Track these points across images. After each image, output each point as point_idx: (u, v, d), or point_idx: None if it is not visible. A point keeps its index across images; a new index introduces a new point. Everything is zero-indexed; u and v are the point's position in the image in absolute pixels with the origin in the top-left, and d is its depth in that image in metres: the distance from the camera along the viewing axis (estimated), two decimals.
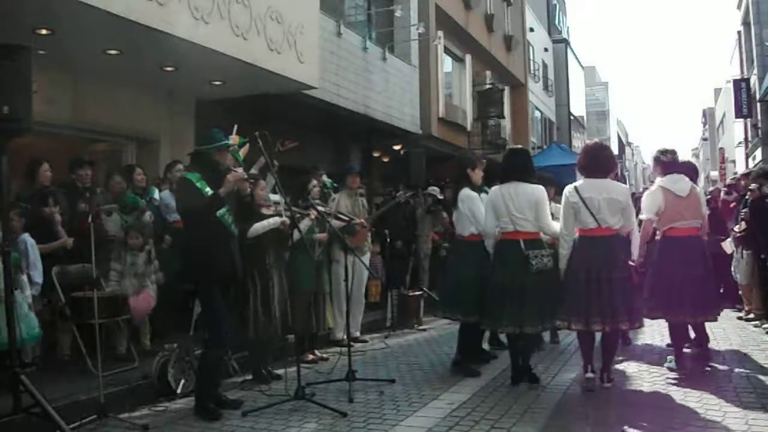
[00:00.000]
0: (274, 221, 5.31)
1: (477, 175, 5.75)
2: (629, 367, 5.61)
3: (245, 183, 4.82)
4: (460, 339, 5.79)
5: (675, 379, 5.17)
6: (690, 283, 5.23)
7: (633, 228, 5.20)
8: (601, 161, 4.98)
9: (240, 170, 4.64)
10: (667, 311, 5.33)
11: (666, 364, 5.51)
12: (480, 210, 5.49)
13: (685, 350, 5.89)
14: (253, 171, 5.60)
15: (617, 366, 5.53)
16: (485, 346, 6.33)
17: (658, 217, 5.40)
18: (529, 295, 4.87)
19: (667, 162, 5.62)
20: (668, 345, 6.26)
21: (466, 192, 5.64)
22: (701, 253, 5.45)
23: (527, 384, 5.10)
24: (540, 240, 5.07)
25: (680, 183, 5.45)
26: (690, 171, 5.76)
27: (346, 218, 6.65)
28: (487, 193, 5.57)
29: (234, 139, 5.18)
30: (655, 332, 7.40)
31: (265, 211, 5.46)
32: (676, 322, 5.41)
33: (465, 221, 5.64)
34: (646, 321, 7.15)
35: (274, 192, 5.59)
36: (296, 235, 5.44)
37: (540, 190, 5.12)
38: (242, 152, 5.55)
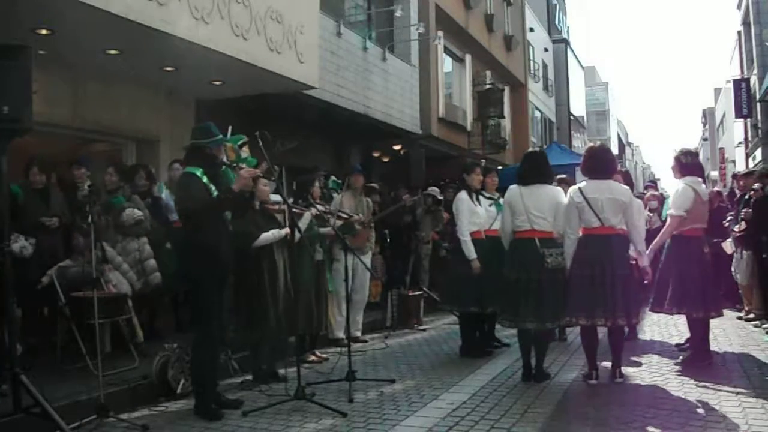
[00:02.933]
0: (280, 233, 5.30)
1: (473, 179, 6.30)
2: (630, 366, 5.60)
3: (251, 181, 4.81)
4: (462, 329, 6.41)
5: (674, 378, 5.18)
6: (698, 280, 5.40)
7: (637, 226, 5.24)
8: (603, 163, 5.14)
9: (251, 169, 4.63)
10: (679, 307, 5.49)
11: (677, 361, 5.65)
12: (462, 213, 6.09)
13: (681, 351, 5.92)
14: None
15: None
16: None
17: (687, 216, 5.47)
18: (546, 291, 5.04)
19: (692, 164, 5.75)
20: (677, 345, 6.33)
21: (459, 195, 6.26)
22: (704, 252, 5.65)
23: (540, 382, 5.18)
24: (554, 239, 5.21)
25: (702, 186, 5.62)
26: (702, 174, 5.91)
27: (346, 215, 6.66)
28: (483, 195, 6.31)
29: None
30: (655, 330, 7.41)
31: (272, 208, 5.44)
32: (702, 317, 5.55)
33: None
34: (648, 319, 7.22)
35: (274, 192, 5.58)
36: (296, 234, 5.44)
37: (561, 193, 5.32)
38: (244, 151, 5.52)
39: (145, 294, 6.14)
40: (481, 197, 6.31)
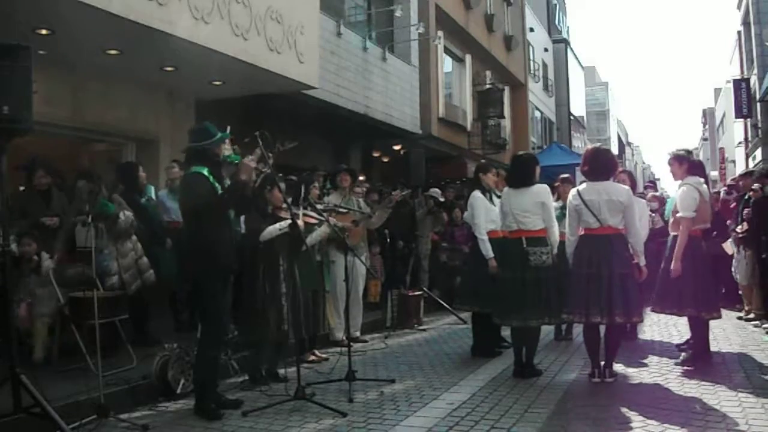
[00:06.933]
0: (284, 225, 5.19)
1: (489, 179, 6.33)
2: (630, 365, 5.61)
3: (252, 173, 4.81)
4: (474, 328, 6.42)
5: (674, 378, 5.18)
6: (701, 281, 5.42)
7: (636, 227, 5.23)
8: (601, 165, 5.18)
9: (250, 158, 4.62)
10: (681, 308, 5.49)
11: (677, 361, 5.65)
12: (478, 213, 6.07)
13: (681, 351, 5.91)
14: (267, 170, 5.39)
15: (618, 364, 5.54)
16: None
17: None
18: (530, 290, 5.18)
19: (693, 163, 5.76)
20: (677, 345, 6.33)
21: (474, 194, 6.24)
22: (709, 252, 5.72)
23: (529, 378, 5.26)
24: (543, 238, 5.32)
25: (704, 186, 5.62)
26: (703, 172, 5.89)
27: (345, 209, 6.63)
28: (495, 195, 6.23)
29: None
30: (655, 330, 7.41)
31: (283, 213, 5.38)
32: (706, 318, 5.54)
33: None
34: (648, 319, 7.21)
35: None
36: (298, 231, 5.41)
37: (544, 190, 5.42)
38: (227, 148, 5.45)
39: (141, 293, 6.08)
40: (493, 197, 6.27)
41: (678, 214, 5.53)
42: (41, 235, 5.53)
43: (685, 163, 5.68)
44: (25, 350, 5.11)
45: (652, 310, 5.81)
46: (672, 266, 5.45)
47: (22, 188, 5.98)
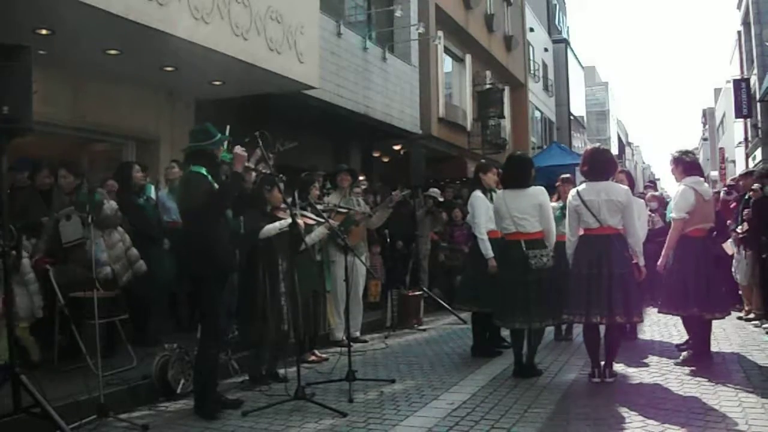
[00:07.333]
0: (284, 223, 5.20)
1: (489, 178, 6.34)
2: (630, 365, 5.61)
3: (248, 170, 4.80)
4: (474, 328, 6.40)
5: (674, 378, 5.18)
6: (704, 281, 5.42)
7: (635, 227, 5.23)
8: (600, 165, 5.19)
9: (239, 147, 4.63)
10: (685, 308, 5.50)
11: (677, 361, 5.66)
12: (478, 213, 6.09)
13: (681, 351, 5.91)
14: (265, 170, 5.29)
15: (618, 364, 5.54)
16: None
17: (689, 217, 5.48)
18: (532, 292, 5.19)
19: (689, 163, 5.75)
20: (678, 345, 6.32)
21: (474, 194, 6.27)
22: (712, 252, 5.73)
23: (529, 378, 5.26)
24: (541, 240, 5.33)
25: (704, 185, 5.64)
26: (701, 172, 5.94)
27: (345, 209, 6.62)
28: (494, 194, 6.15)
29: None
30: (655, 330, 7.41)
31: (282, 214, 5.38)
32: (700, 318, 5.55)
33: None
34: (648, 319, 7.22)
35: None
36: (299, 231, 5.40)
37: (541, 192, 5.43)
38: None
39: (139, 292, 6.07)
40: (494, 196, 6.26)
41: (671, 214, 5.57)
42: (35, 234, 5.51)
43: (681, 165, 5.72)
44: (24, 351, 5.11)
45: (660, 312, 5.82)
46: (659, 262, 5.49)
47: (8, 191, 5.91)
